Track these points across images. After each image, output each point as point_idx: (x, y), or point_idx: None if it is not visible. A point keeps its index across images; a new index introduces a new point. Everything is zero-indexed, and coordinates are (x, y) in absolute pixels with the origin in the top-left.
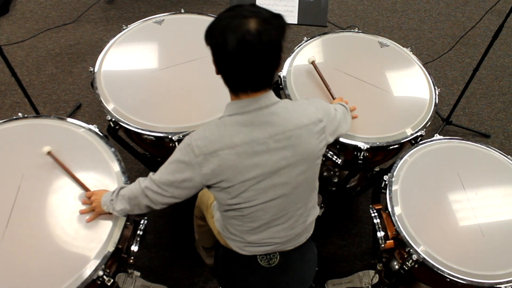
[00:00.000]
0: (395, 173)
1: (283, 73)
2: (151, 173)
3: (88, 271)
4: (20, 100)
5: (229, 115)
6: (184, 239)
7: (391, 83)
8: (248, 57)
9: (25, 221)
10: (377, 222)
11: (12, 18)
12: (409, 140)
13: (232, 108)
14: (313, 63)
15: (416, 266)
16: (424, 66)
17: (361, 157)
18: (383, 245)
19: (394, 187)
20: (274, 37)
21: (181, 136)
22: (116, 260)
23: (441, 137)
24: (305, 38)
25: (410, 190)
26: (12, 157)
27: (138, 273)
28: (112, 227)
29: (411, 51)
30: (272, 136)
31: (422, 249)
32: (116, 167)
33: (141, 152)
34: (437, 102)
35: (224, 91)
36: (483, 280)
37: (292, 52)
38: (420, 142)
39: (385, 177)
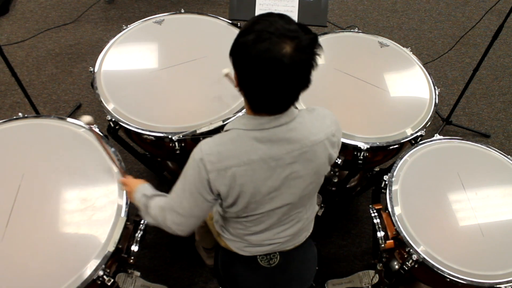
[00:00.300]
0: (395, 173)
1: None
2: (167, 203)
3: (88, 271)
4: (20, 100)
5: (245, 130)
6: (184, 239)
7: (391, 83)
8: (281, 82)
9: (25, 221)
10: (377, 222)
11: (12, 18)
12: (409, 140)
13: (250, 123)
14: (227, 75)
15: (416, 266)
16: (424, 66)
17: (361, 157)
18: (383, 245)
19: (394, 187)
20: (308, 62)
21: (181, 136)
22: (116, 260)
23: (441, 137)
24: None
25: (410, 190)
26: (12, 157)
27: (138, 273)
28: (112, 227)
29: (411, 51)
30: (289, 153)
31: (422, 249)
32: (116, 167)
33: (141, 152)
34: (437, 102)
35: (224, 91)
36: (483, 280)
37: None
38: (420, 142)
39: (385, 177)
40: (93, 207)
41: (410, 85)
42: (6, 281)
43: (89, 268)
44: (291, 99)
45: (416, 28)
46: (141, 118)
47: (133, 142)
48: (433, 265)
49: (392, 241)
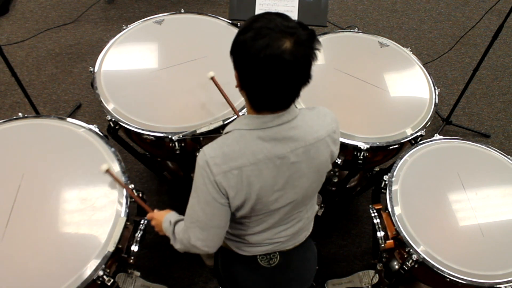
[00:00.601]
0: (395, 173)
1: None
2: (186, 221)
3: (88, 271)
4: (20, 100)
5: (248, 129)
6: None
7: (391, 83)
8: (281, 78)
9: (25, 221)
10: (377, 222)
11: (12, 18)
12: (409, 140)
13: (253, 123)
14: (212, 78)
15: (416, 266)
16: (424, 66)
17: (361, 157)
18: (383, 245)
19: (394, 187)
20: (308, 57)
21: (181, 136)
22: (116, 260)
23: (441, 137)
24: None
25: (410, 190)
26: (12, 157)
27: (138, 273)
28: (112, 227)
29: (411, 51)
30: (293, 151)
31: (422, 249)
32: (116, 167)
33: (141, 152)
34: (437, 102)
35: (224, 91)
36: (483, 280)
37: None
38: (420, 142)
39: (385, 177)
40: (93, 207)
41: (410, 85)
42: (6, 281)
43: (89, 268)
44: (292, 95)
45: (416, 28)
46: (141, 118)
47: (133, 142)
48: (433, 265)
49: (392, 241)
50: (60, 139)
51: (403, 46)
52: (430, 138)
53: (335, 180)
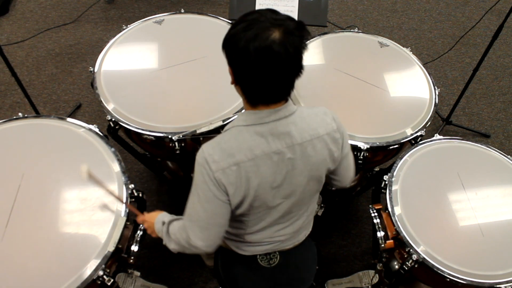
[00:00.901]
0: (395, 173)
1: None
2: (186, 221)
3: (88, 271)
4: (20, 100)
5: (246, 125)
6: None
7: (391, 83)
8: (272, 68)
9: (25, 221)
10: (377, 222)
11: (12, 18)
12: (409, 140)
13: (250, 118)
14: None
15: (416, 266)
16: (424, 66)
17: (361, 157)
18: (383, 245)
19: (394, 187)
20: (298, 48)
21: (181, 136)
22: (116, 260)
23: (441, 137)
24: None
25: (410, 190)
26: (12, 157)
27: (138, 273)
28: (112, 227)
29: (411, 51)
30: (289, 147)
31: (422, 249)
32: (116, 167)
33: (141, 152)
34: (437, 102)
35: (224, 91)
36: (483, 280)
37: None
38: (420, 142)
39: (385, 177)
40: (93, 207)
41: (410, 85)
42: (6, 281)
43: (89, 268)
44: (286, 87)
45: (416, 28)
46: (141, 118)
47: (133, 142)
48: (433, 265)
49: (392, 241)
50: (60, 139)
51: (403, 46)
52: (430, 138)
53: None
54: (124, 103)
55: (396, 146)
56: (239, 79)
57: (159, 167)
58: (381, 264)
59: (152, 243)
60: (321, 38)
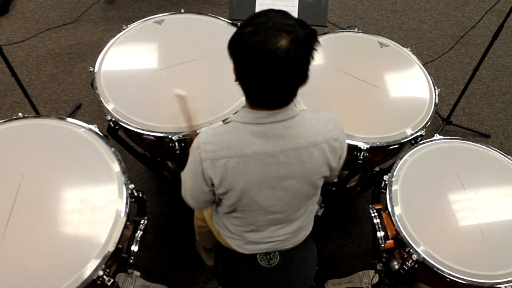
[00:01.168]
0: (395, 173)
1: None
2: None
3: (88, 271)
4: (20, 100)
5: (242, 123)
6: (184, 239)
7: (391, 83)
8: (275, 76)
9: (25, 221)
10: (377, 222)
11: (12, 18)
12: (409, 140)
13: (248, 117)
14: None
15: (416, 266)
16: (424, 66)
17: (361, 157)
18: (383, 245)
19: (394, 187)
20: (304, 56)
21: (181, 136)
22: (116, 260)
23: (441, 137)
24: None
25: (410, 190)
26: (12, 157)
27: (138, 273)
28: (112, 227)
29: (411, 51)
30: (284, 151)
31: (422, 249)
32: (116, 167)
33: (141, 152)
34: (437, 102)
35: (224, 91)
36: (483, 280)
37: None
38: (420, 142)
39: (385, 177)
40: (93, 207)
41: (410, 85)
42: (6, 281)
43: (89, 268)
44: (287, 94)
45: (416, 28)
46: (141, 118)
47: (133, 142)
48: (433, 265)
49: (392, 241)
50: (60, 139)
51: (403, 46)
52: (430, 138)
53: (335, 180)
54: (124, 103)
55: (396, 146)
56: (241, 79)
57: (159, 167)
58: (381, 264)
59: (152, 243)
60: (321, 38)
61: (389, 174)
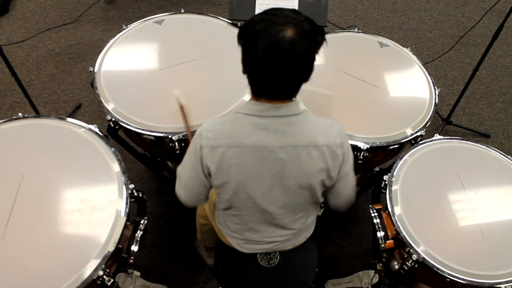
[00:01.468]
0: (395, 173)
1: None
2: (179, 167)
3: (88, 271)
4: (20, 100)
5: (245, 114)
6: (184, 239)
7: (391, 83)
8: (277, 65)
9: (25, 221)
10: (377, 222)
11: (12, 18)
12: (409, 140)
13: (251, 108)
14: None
15: (416, 266)
16: (424, 66)
17: (361, 157)
18: (383, 245)
19: (394, 187)
20: (308, 50)
21: (181, 136)
22: (116, 260)
23: (441, 137)
24: None
25: (410, 190)
26: (12, 157)
27: (138, 273)
28: (112, 227)
29: (411, 51)
30: (283, 147)
31: (422, 249)
32: (116, 167)
33: (141, 152)
34: (437, 102)
35: (224, 91)
36: (483, 280)
37: None
38: (420, 142)
39: (385, 177)
40: (93, 207)
41: (410, 85)
42: (6, 281)
43: (89, 268)
44: (289, 86)
45: (416, 28)
46: (141, 118)
47: (133, 142)
48: (433, 265)
49: (392, 241)
50: (60, 139)
51: (403, 46)
52: (430, 138)
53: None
54: (124, 103)
55: (396, 146)
56: (246, 68)
57: (159, 167)
58: (381, 264)
59: (152, 243)
60: None
61: (389, 174)
